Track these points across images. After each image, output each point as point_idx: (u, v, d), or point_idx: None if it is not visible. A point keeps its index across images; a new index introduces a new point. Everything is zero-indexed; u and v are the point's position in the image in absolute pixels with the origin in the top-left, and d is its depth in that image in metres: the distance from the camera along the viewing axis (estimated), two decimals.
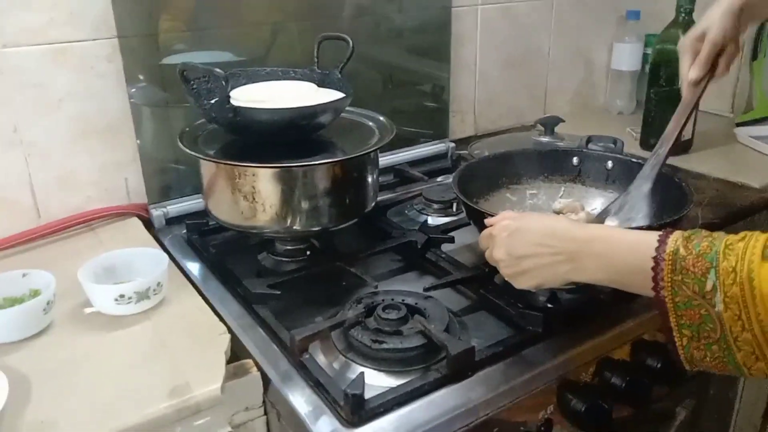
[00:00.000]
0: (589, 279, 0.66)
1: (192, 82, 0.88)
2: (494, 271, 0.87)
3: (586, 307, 0.83)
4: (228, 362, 0.73)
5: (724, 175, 1.19)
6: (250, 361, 0.73)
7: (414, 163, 1.29)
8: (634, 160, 1.00)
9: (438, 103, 1.35)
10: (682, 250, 0.57)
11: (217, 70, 0.80)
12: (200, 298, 0.83)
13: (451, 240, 0.96)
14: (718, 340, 0.55)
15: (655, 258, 0.58)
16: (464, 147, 1.32)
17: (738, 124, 1.44)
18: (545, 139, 1.27)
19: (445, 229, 0.98)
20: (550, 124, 1.27)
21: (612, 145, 1.11)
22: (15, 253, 0.94)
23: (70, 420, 0.62)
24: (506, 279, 0.74)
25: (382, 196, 1.13)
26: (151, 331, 0.75)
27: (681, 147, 1.30)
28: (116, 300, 0.76)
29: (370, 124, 0.98)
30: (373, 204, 0.96)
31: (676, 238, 0.58)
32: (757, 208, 1.10)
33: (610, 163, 1.00)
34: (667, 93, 1.26)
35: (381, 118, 0.99)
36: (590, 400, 0.75)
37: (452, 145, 1.35)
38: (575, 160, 1.02)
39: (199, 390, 0.66)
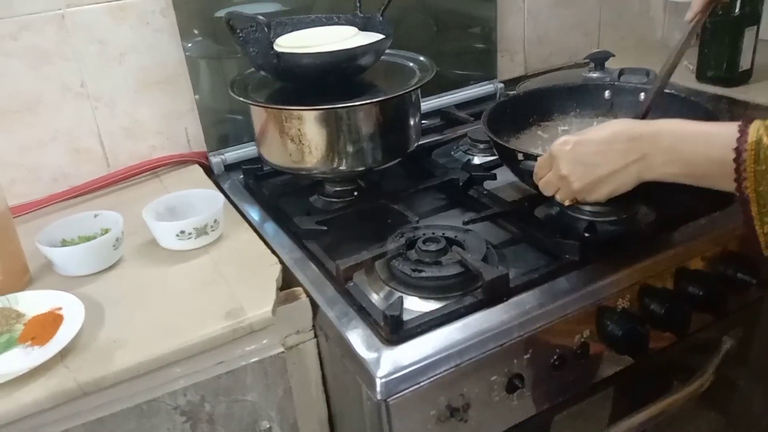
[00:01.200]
0: (661, 176, 0.65)
1: (238, 31, 0.92)
2: (535, 204, 0.89)
3: (626, 236, 0.84)
4: (280, 290, 0.78)
5: None
6: (300, 288, 0.79)
7: (462, 105, 1.30)
8: (666, 91, 0.98)
9: (486, 43, 1.35)
10: (765, 140, 0.56)
11: (260, 17, 0.84)
12: (255, 234, 0.89)
13: (493, 177, 0.98)
14: None
15: (736, 149, 0.57)
16: (513, 87, 1.31)
17: None
18: (595, 74, 1.25)
19: (488, 167, 1.00)
20: (600, 59, 1.24)
21: (645, 77, 1.07)
22: (88, 199, 1.03)
23: (137, 339, 0.69)
24: (576, 197, 0.72)
25: (428, 139, 1.15)
26: (210, 263, 0.82)
27: (738, 78, 1.25)
28: (177, 236, 0.83)
29: (411, 65, 1.01)
30: (415, 144, 0.99)
31: (757, 127, 0.57)
32: None
33: (642, 95, 0.98)
34: (724, 22, 1.21)
35: (422, 59, 1.00)
36: (628, 325, 0.77)
37: (501, 85, 1.35)
38: (607, 93, 1.01)
39: (252, 312, 0.72)
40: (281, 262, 0.83)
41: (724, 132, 0.59)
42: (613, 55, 1.24)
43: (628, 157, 0.67)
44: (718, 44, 1.24)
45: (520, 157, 0.78)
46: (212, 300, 0.75)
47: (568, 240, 0.80)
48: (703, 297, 0.83)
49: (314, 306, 0.78)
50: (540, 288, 0.76)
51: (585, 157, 0.69)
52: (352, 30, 0.96)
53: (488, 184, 0.98)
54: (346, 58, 0.89)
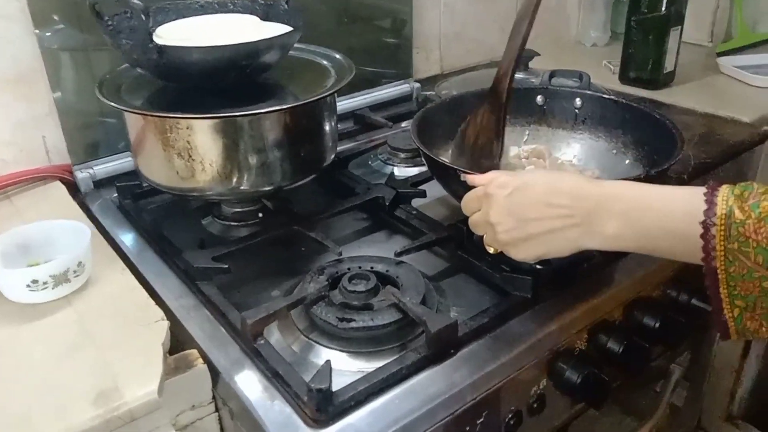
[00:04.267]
0: (609, 245, 0.55)
1: (107, 19, 0.73)
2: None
3: (577, 267, 0.73)
4: (170, 352, 0.61)
5: (711, 110, 1.10)
6: (194, 351, 0.62)
7: (376, 107, 1.16)
8: (606, 96, 0.89)
9: (399, 38, 1.22)
10: (737, 213, 0.47)
11: (135, 1, 0.66)
12: (133, 276, 0.70)
13: (423, 194, 0.85)
14: None
15: (704, 223, 0.48)
16: (430, 87, 1.20)
17: (719, 54, 1.34)
18: (519, 75, 1.14)
19: (415, 181, 0.87)
20: (523, 59, 1.15)
21: (577, 80, 0.99)
22: None
23: None
24: (499, 247, 0.62)
25: (342, 146, 1.01)
26: (74, 320, 0.63)
27: (663, 80, 1.20)
28: (29, 286, 0.63)
29: (325, 63, 0.85)
30: (332, 156, 0.84)
31: (725, 196, 0.48)
32: (748, 144, 1.02)
33: (578, 101, 0.89)
34: (651, 20, 1.15)
35: (338, 56, 0.85)
36: (586, 369, 0.67)
37: (417, 85, 1.23)
38: (539, 98, 0.91)
39: (131, 393, 0.54)
40: (169, 312, 0.66)
41: (687, 199, 0.50)
42: (539, 54, 1.16)
43: (568, 219, 0.56)
44: (643, 44, 1.18)
45: (464, 178, 0.66)
46: (77, 374, 0.56)
47: (518, 274, 0.69)
48: (659, 329, 0.75)
49: (214, 372, 0.61)
50: (491, 335, 0.64)
51: (520, 208, 0.58)
52: (251, 19, 0.79)
53: (416, 202, 0.85)
54: (248, 54, 0.72)
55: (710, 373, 1.33)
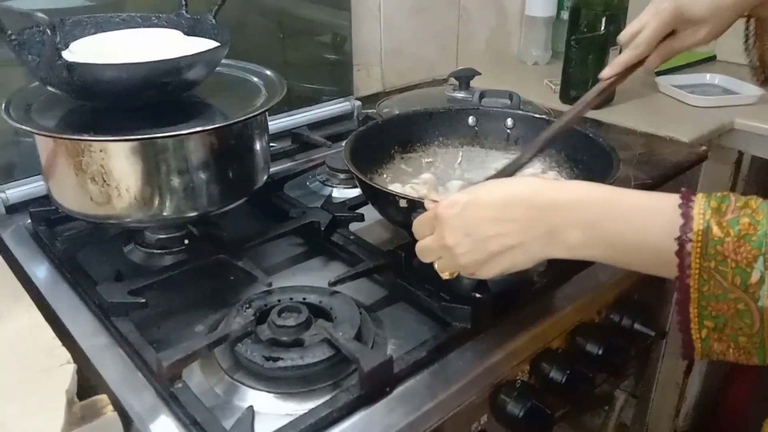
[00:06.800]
0: (574, 255, 0.51)
1: (11, 33, 0.67)
2: (412, 252, 0.73)
3: (518, 294, 0.71)
4: (81, 397, 0.55)
5: (651, 129, 1.10)
6: (104, 397, 0.56)
7: (315, 125, 1.12)
8: (536, 116, 0.88)
9: (339, 54, 1.18)
10: (715, 229, 0.44)
11: (39, 14, 0.60)
12: (40, 314, 0.64)
13: (361, 218, 0.81)
14: (752, 335, 0.44)
15: (679, 239, 0.45)
16: (372, 105, 1.16)
17: (657, 73, 1.36)
18: (460, 94, 1.13)
19: (353, 204, 0.83)
20: (464, 78, 1.13)
21: (507, 101, 0.97)
22: None
23: None
24: (460, 271, 0.57)
25: (278, 167, 0.97)
26: None
27: (603, 100, 1.20)
28: None
29: (255, 80, 0.81)
30: (264, 178, 0.80)
31: (701, 209, 0.45)
32: (687, 164, 1.02)
33: (510, 121, 0.88)
34: (590, 39, 1.15)
35: (268, 73, 0.81)
36: (528, 402, 0.64)
37: (358, 103, 1.19)
38: (471, 119, 0.89)
39: None
40: (79, 353, 0.60)
41: (661, 211, 0.47)
42: (479, 74, 1.14)
43: (528, 232, 0.52)
44: (582, 63, 1.17)
45: (403, 204, 0.62)
46: None
47: (456, 303, 0.65)
48: (602, 356, 0.73)
49: (127, 420, 0.55)
50: (429, 370, 0.60)
51: (475, 226, 0.54)
52: (175, 34, 0.74)
53: (354, 226, 0.81)
54: (168, 72, 0.67)
55: (655, 389, 1.33)
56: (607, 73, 0.71)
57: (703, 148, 1.05)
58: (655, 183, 0.94)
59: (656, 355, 1.19)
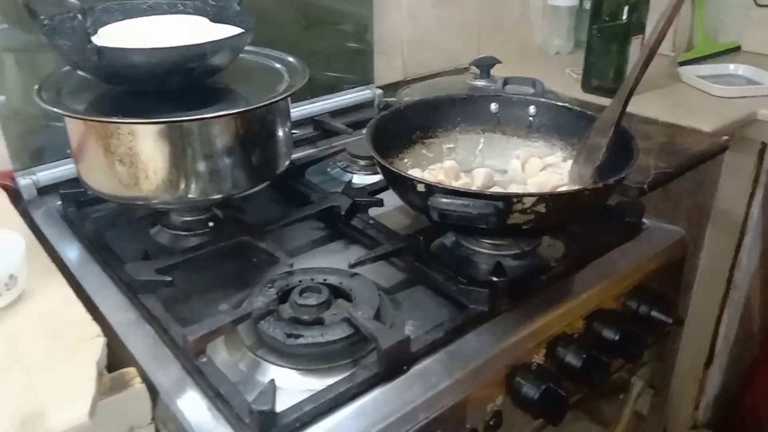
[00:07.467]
0: None
1: (44, 18, 0.69)
2: (430, 237, 0.75)
3: (536, 277, 0.71)
4: (110, 370, 0.58)
5: (672, 119, 1.10)
6: (132, 369, 0.58)
7: (336, 113, 1.13)
8: (559, 104, 0.88)
9: (361, 43, 1.19)
10: None
11: (72, 0, 0.62)
12: (71, 290, 0.66)
13: (380, 203, 0.83)
14: None
15: None
16: (392, 93, 1.17)
17: (680, 64, 1.35)
18: (481, 83, 1.14)
19: (373, 190, 0.85)
20: (485, 66, 1.14)
21: (530, 89, 0.97)
22: None
23: None
24: None
25: (300, 153, 0.98)
26: (1, 339, 0.59)
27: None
28: None
29: (278, 66, 0.82)
30: (286, 163, 0.81)
31: None
32: (708, 154, 1.02)
33: (532, 109, 0.88)
34: (612, 28, 1.15)
35: (291, 60, 0.83)
36: (543, 385, 0.65)
37: (379, 91, 1.21)
38: (493, 106, 0.89)
39: (59, 417, 0.51)
40: (108, 328, 0.62)
41: None
42: (500, 62, 1.14)
43: None
44: (605, 52, 1.17)
45: (421, 188, 0.63)
46: (0, 398, 0.52)
47: (473, 286, 0.66)
48: (618, 342, 0.73)
49: (153, 392, 0.58)
50: (446, 350, 0.62)
51: None
52: (200, 21, 0.76)
53: (374, 211, 0.83)
54: (194, 57, 0.69)
55: (675, 381, 1.33)
56: None
57: (725, 138, 1.05)
58: (675, 172, 0.94)
59: (675, 346, 1.19)
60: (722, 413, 1.52)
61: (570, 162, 0.83)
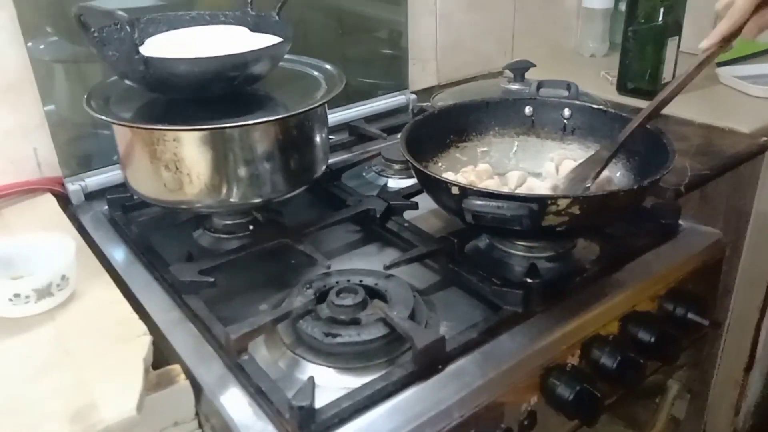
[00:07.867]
0: None
1: (94, 30, 0.72)
2: (464, 239, 0.76)
3: (569, 279, 0.72)
4: (155, 367, 0.60)
5: (710, 120, 1.09)
6: (177, 366, 0.61)
7: (371, 118, 1.16)
8: (594, 106, 0.88)
9: (395, 50, 1.21)
10: None
11: (120, 12, 0.65)
12: (118, 290, 0.69)
13: (415, 206, 0.84)
14: None
15: None
16: (427, 98, 1.19)
17: (718, 64, 1.33)
18: (515, 86, 1.14)
19: (407, 193, 0.86)
20: (519, 70, 1.14)
21: (565, 91, 0.97)
22: None
23: None
24: None
25: (336, 158, 1.00)
26: (54, 336, 0.62)
27: (661, 90, 1.19)
28: (11, 300, 0.62)
29: (316, 74, 0.85)
30: (323, 167, 0.83)
31: None
32: (747, 155, 1.01)
33: (567, 111, 0.88)
34: (648, 30, 1.14)
35: (328, 67, 0.85)
36: (578, 385, 0.66)
37: (413, 96, 1.22)
38: (528, 109, 0.90)
39: (109, 411, 0.53)
40: (153, 327, 0.65)
41: None
42: (534, 65, 1.14)
43: None
44: (640, 54, 1.17)
45: (455, 191, 0.65)
46: (53, 392, 0.55)
47: (507, 288, 0.67)
48: (654, 344, 0.73)
49: (197, 388, 0.60)
50: (480, 350, 0.63)
51: None
52: (241, 31, 0.79)
53: (408, 214, 0.84)
54: (235, 66, 0.71)
55: (714, 386, 1.31)
56: (705, 44, 0.72)
57: (764, 139, 1.03)
58: (712, 174, 0.94)
59: (714, 350, 1.18)
60: (764, 420, 1.48)
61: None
